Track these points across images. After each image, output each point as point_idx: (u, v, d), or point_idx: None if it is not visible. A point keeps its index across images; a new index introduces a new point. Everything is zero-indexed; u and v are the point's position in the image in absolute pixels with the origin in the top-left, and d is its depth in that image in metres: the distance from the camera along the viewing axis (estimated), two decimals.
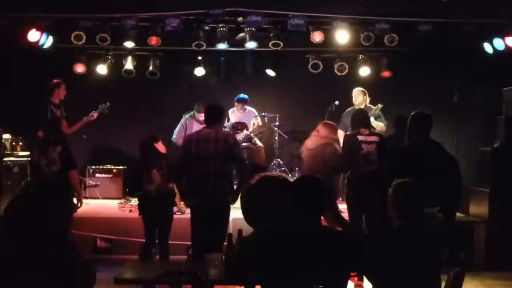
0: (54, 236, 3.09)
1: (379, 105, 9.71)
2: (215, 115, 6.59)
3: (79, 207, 7.23)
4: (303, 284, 3.43)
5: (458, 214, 6.29)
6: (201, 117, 9.35)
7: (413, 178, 4.38)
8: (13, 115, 9.99)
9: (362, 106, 9.68)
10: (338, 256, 3.48)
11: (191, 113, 10.00)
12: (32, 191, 3.22)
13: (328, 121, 8.97)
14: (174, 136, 9.88)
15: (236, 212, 8.74)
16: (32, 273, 2.93)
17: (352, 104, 9.93)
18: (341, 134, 9.95)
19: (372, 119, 9.59)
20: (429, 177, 5.19)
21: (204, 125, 6.69)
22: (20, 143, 10.14)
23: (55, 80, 9.66)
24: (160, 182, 7.03)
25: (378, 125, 9.60)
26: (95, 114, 9.89)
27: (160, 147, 7.33)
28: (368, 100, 9.86)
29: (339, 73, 10.86)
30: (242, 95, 10.85)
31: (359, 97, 9.85)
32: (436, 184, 5.28)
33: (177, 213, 8.18)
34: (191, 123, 9.83)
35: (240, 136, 9.86)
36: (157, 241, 7.16)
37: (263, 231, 3.70)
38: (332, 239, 3.57)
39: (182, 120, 10.00)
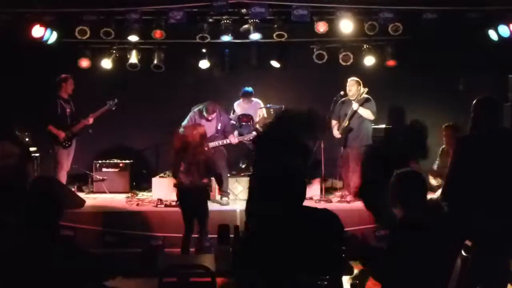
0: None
1: (365, 89, 9.48)
2: None
3: None
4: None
5: None
6: (210, 117, 9.44)
7: (482, 173, 4.24)
8: (19, 110, 10.02)
9: (355, 97, 9.54)
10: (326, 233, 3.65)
11: (200, 107, 9.61)
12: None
13: None
14: (182, 129, 9.67)
15: (243, 204, 8.72)
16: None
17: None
18: (334, 124, 9.85)
19: (356, 106, 9.44)
20: (500, 171, 4.85)
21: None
22: (27, 139, 10.17)
23: (62, 75, 9.70)
24: (196, 177, 7.23)
25: (365, 112, 9.44)
26: (90, 119, 9.92)
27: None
28: (362, 90, 9.53)
29: (344, 63, 10.82)
30: (246, 88, 10.77)
31: (353, 88, 9.58)
32: (509, 180, 4.88)
33: None
34: (200, 119, 9.47)
35: (249, 137, 9.84)
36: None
37: (263, 221, 3.76)
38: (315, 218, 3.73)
39: (191, 113, 9.63)
